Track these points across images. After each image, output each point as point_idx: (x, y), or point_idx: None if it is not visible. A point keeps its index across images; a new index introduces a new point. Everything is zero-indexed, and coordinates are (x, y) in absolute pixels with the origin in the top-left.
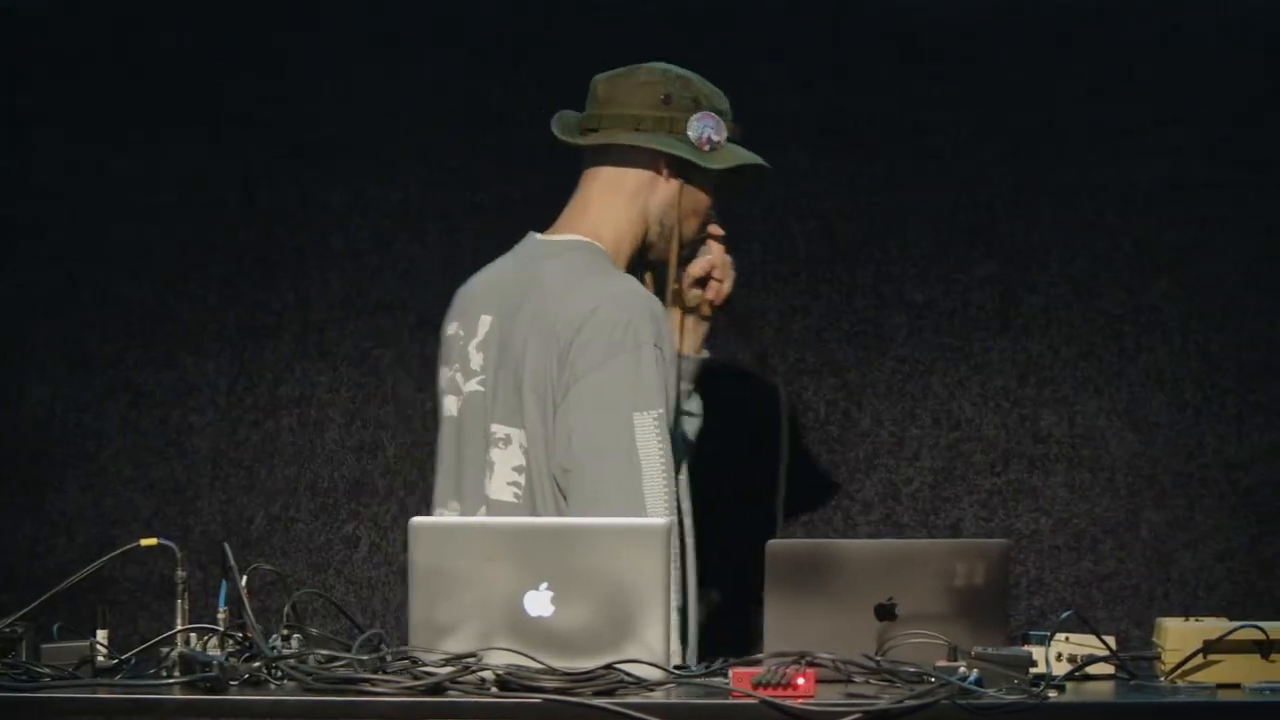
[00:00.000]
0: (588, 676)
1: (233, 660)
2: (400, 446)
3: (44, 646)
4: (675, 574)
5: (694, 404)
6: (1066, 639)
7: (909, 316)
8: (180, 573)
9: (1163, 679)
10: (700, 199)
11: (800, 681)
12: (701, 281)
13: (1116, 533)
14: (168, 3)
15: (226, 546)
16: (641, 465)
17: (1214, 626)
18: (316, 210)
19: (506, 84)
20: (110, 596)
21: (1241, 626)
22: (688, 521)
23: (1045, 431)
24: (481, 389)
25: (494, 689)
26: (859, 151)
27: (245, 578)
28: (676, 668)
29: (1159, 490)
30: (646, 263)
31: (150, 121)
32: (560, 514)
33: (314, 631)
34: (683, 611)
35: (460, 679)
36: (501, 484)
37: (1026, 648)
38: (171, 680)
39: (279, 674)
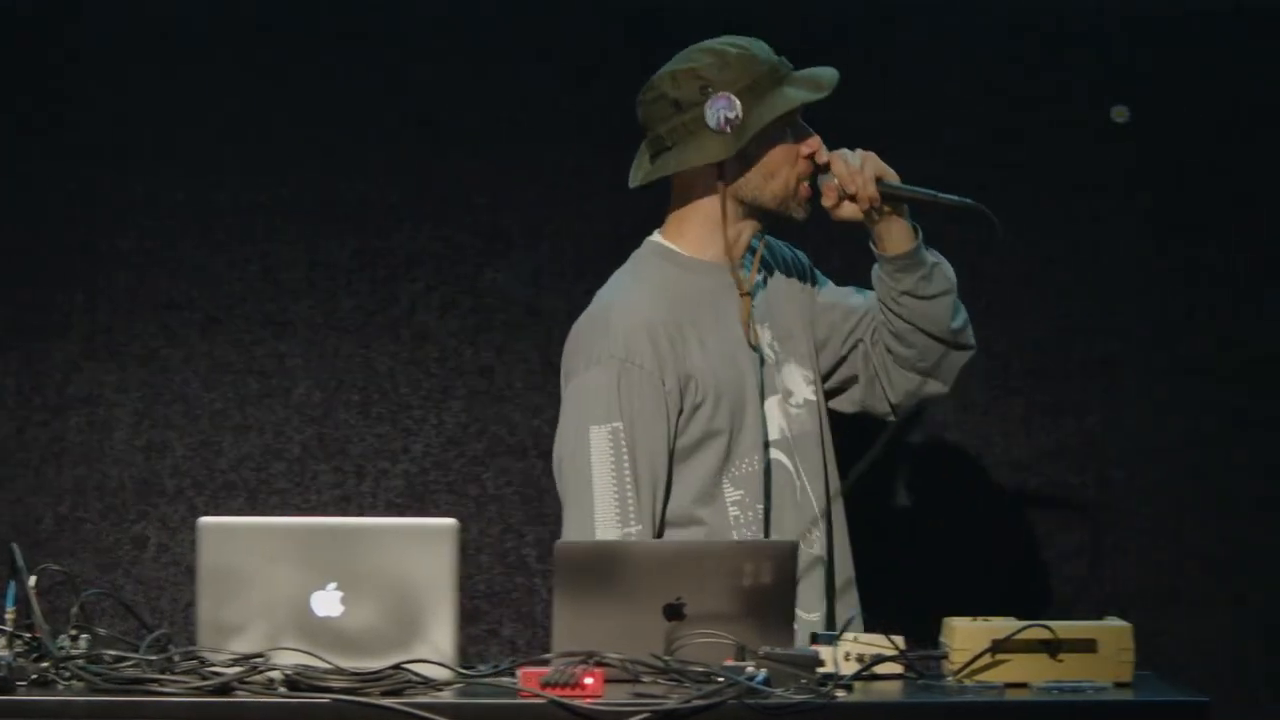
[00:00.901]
0: (376, 676)
1: (20, 661)
2: (189, 446)
3: None
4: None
5: (934, 284)
6: (854, 639)
7: None
8: None
9: (950, 678)
10: (769, 158)
11: (588, 681)
12: (850, 197)
13: (905, 532)
14: None
15: (15, 547)
16: (596, 477)
17: (1002, 626)
18: (104, 209)
19: (286, 83)
20: None
21: (1029, 626)
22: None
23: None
24: None
25: (282, 689)
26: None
27: (34, 578)
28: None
29: (946, 490)
30: (782, 222)
31: None
32: None
33: (102, 632)
34: None
35: (248, 679)
36: None
37: (814, 647)
38: None
39: (67, 674)
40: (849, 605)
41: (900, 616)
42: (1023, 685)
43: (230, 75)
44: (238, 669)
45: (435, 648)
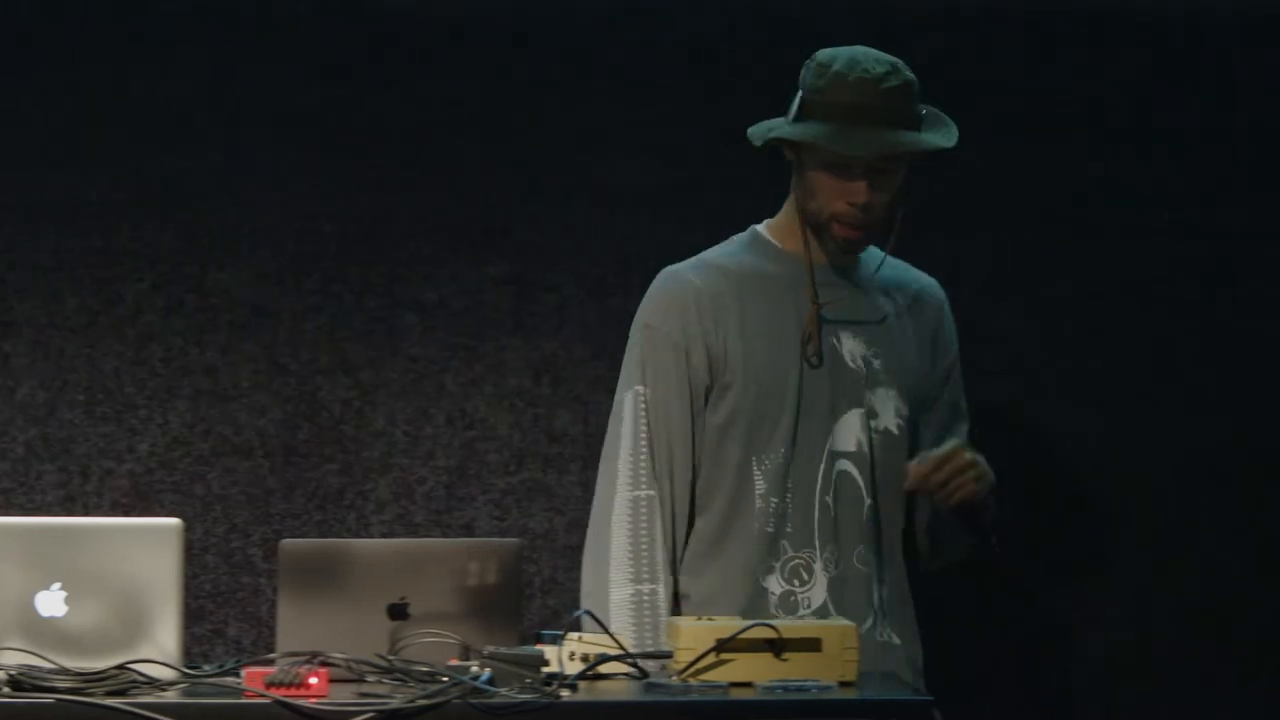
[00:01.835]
0: (100, 677)
1: None
2: None
3: None
4: (664, 552)
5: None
6: (579, 638)
7: (421, 316)
8: None
9: (675, 678)
10: (812, 178)
11: (313, 681)
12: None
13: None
14: None
15: None
16: (620, 439)
17: (726, 625)
18: None
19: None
20: None
21: (753, 625)
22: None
23: (560, 430)
24: None
25: (6, 689)
26: (372, 151)
27: None
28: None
29: None
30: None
31: None
32: None
33: None
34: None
35: None
36: None
37: (539, 647)
38: None
39: None
40: (902, 622)
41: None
42: (748, 685)
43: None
44: None
45: (160, 648)
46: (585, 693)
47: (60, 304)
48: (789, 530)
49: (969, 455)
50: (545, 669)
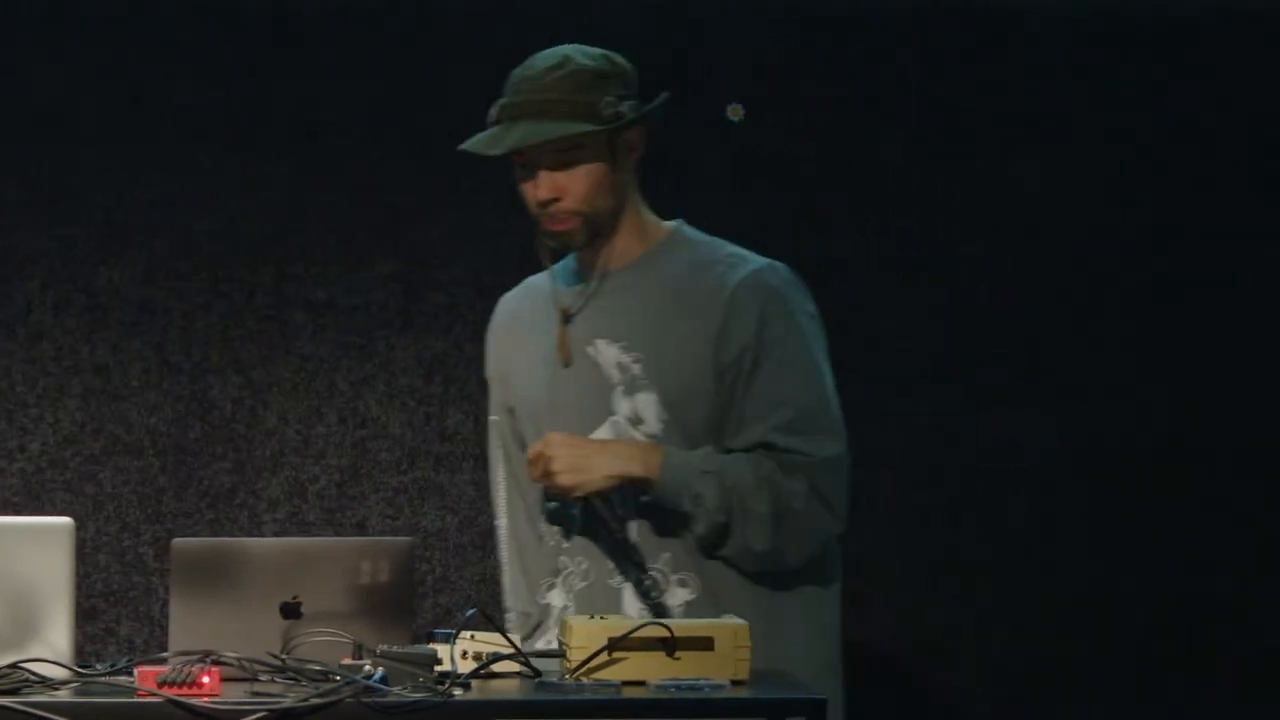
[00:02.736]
0: None
1: None
2: None
3: None
4: (514, 577)
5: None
6: (472, 637)
7: (311, 314)
8: None
9: (567, 677)
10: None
11: (205, 680)
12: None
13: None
14: None
15: None
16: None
17: (619, 624)
18: None
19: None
20: None
21: (646, 624)
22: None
23: (452, 429)
24: None
25: None
26: (260, 149)
27: None
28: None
29: None
30: None
31: None
32: None
33: None
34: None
35: None
36: None
37: (432, 645)
38: None
39: None
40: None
41: None
42: (640, 684)
43: None
44: None
45: (51, 647)
46: (478, 691)
47: None
48: (566, 546)
49: (537, 450)
50: (438, 668)
